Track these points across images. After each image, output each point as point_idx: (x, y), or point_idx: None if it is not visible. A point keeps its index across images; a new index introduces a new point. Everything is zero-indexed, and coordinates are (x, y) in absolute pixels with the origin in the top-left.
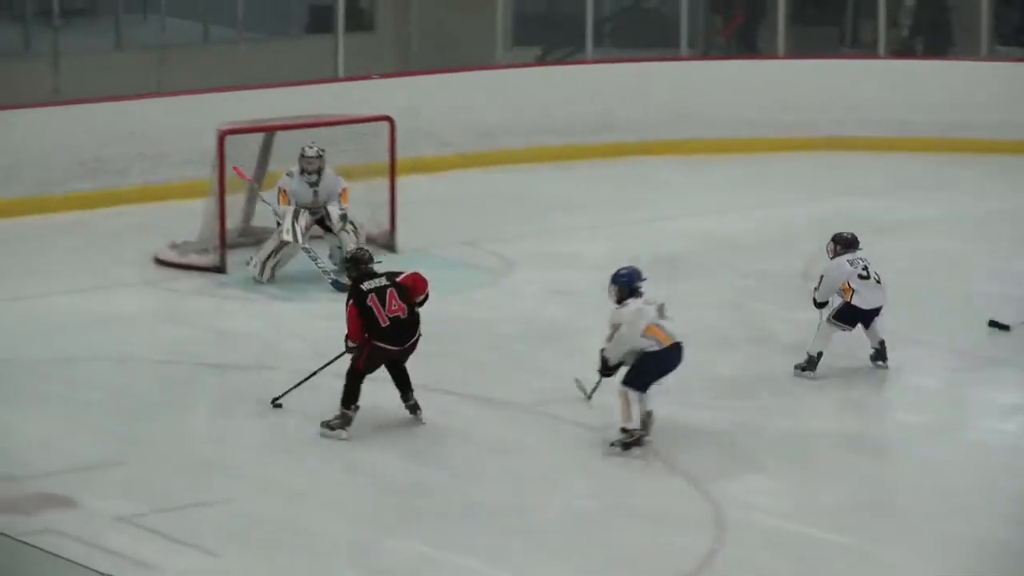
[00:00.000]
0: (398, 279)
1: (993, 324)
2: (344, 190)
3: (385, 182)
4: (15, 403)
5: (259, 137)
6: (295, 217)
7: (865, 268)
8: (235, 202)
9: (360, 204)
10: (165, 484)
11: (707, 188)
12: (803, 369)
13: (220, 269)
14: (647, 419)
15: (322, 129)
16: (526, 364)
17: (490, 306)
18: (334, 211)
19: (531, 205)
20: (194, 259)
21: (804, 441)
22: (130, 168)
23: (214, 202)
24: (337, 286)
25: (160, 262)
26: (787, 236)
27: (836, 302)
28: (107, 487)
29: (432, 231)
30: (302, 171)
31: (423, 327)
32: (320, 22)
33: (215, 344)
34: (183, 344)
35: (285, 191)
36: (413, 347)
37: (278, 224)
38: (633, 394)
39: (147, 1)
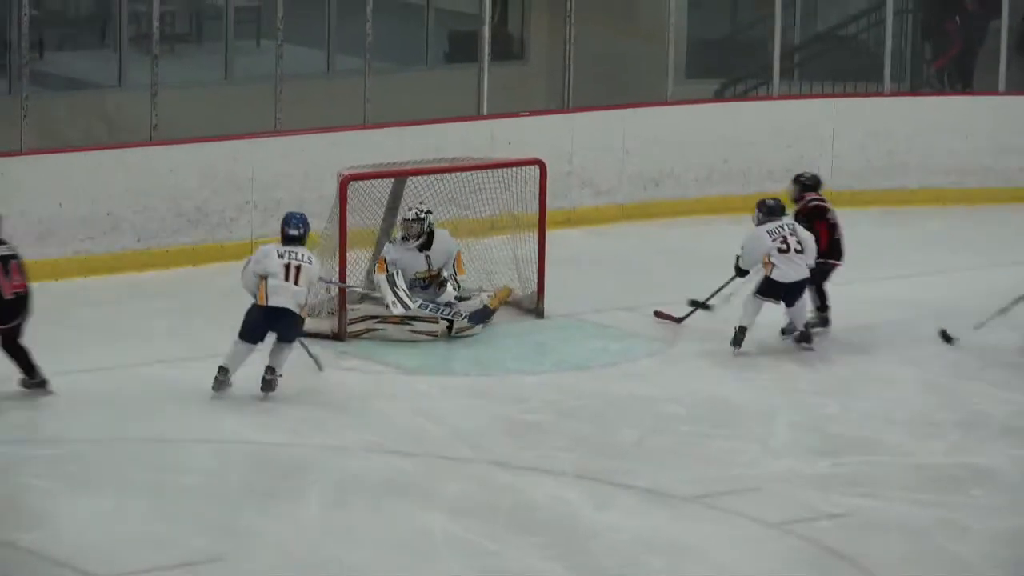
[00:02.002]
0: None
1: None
2: (458, 255)
3: (533, 236)
4: (105, 490)
5: (388, 184)
6: (392, 283)
7: (784, 240)
8: (358, 259)
9: (504, 262)
10: None
11: (910, 246)
12: (733, 343)
13: (339, 337)
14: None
15: (462, 175)
16: (693, 450)
17: (653, 382)
18: (448, 293)
19: (703, 264)
20: (309, 325)
21: (1021, 543)
22: (238, 219)
23: (334, 259)
24: (474, 318)
25: None
26: (1004, 303)
27: (759, 275)
28: None
29: (587, 294)
30: (404, 237)
31: None
32: (462, 50)
33: (332, 424)
34: (294, 424)
35: (385, 260)
36: (22, 325)
37: (383, 302)
38: (239, 344)
39: (261, 26)
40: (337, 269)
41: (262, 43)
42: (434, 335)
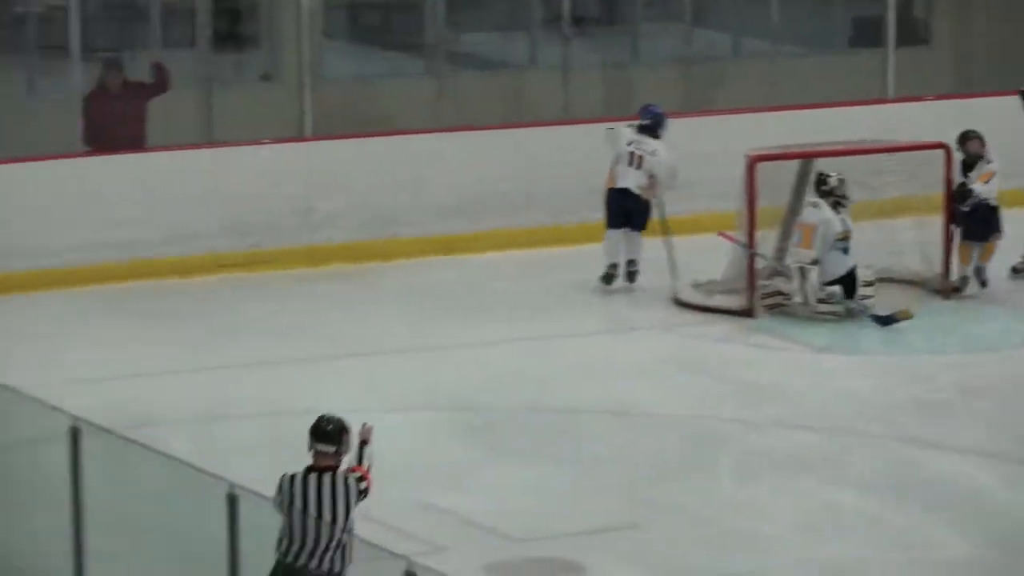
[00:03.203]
0: None
1: None
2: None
3: (937, 219)
4: (515, 458)
5: (794, 165)
6: (804, 276)
7: None
8: (767, 237)
9: (908, 244)
10: (684, 555)
11: None
12: None
13: (749, 313)
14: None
15: (867, 157)
16: None
17: None
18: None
19: None
20: (719, 301)
21: None
22: None
23: (742, 237)
24: (881, 322)
25: (681, 303)
26: None
27: None
28: (618, 553)
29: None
30: (835, 200)
31: None
32: (867, 34)
33: (743, 398)
34: (705, 397)
35: (811, 228)
36: None
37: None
38: (609, 233)
39: (670, 9)
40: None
41: (670, 26)
42: (838, 315)
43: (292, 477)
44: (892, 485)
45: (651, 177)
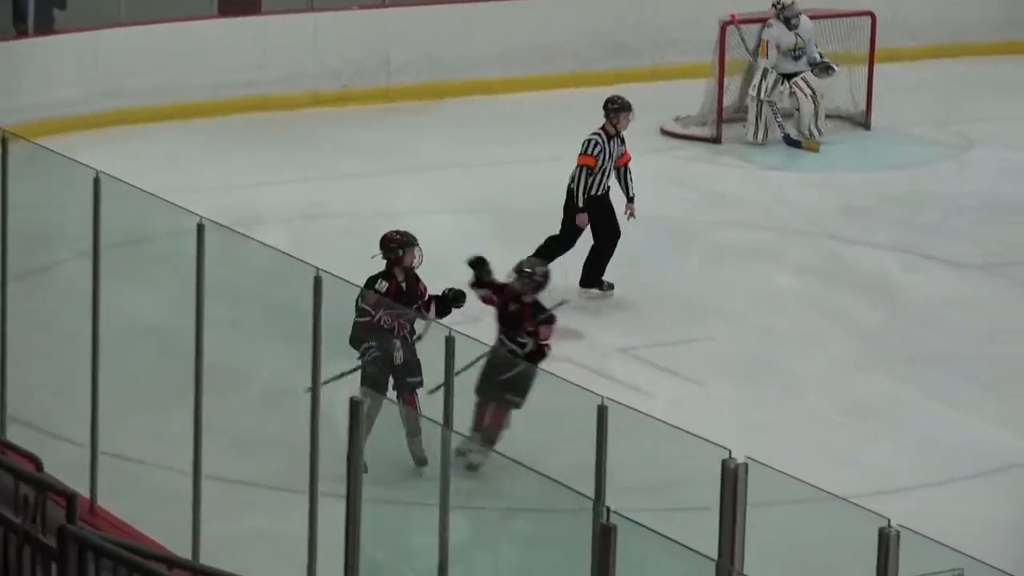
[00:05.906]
0: None
1: None
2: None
3: (864, 70)
4: (527, 245)
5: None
6: (763, 76)
7: None
8: (732, 82)
9: (842, 89)
10: (659, 322)
11: None
12: None
13: (717, 140)
14: None
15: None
16: (983, 231)
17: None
18: (812, 52)
19: (997, 92)
20: (695, 131)
21: None
22: (642, 51)
23: (714, 82)
24: (788, 141)
25: (665, 133)
26: None
27: None
28: (611, 323)
29: (902, 113)
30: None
31: None
32: None
33: (711, 205)
34: (682, 204)
35: (767, 41)
36: None
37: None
38: None
39: None
40: (716, 91)
41: None
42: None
43: None
44: (821, 271)
45: None
